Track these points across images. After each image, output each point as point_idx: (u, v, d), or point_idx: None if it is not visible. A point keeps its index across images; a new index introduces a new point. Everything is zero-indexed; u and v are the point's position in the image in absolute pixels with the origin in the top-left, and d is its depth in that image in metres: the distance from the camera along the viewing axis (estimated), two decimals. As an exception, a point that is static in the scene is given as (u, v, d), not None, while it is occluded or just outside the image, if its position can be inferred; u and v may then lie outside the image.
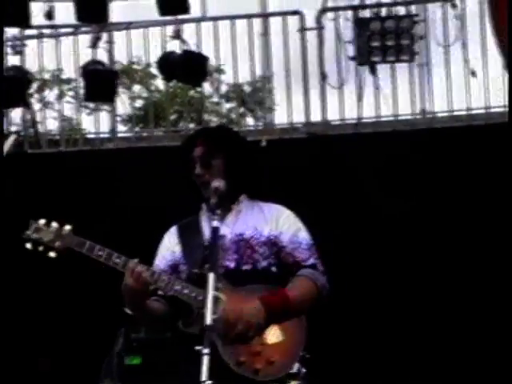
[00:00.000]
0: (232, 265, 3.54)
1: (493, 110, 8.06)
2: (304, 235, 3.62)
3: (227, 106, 12.52)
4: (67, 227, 3.56)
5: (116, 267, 3.49)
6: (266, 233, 3.58)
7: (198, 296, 3.45)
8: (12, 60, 8.25)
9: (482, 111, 8.12)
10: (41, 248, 3.54)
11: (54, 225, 3.56)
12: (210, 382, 3.05)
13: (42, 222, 3.56)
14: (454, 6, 7.95)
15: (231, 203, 3.64)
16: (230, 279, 3.49)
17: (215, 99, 12.74)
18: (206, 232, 3.58)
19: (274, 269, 3.58)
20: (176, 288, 3.49)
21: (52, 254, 3.53)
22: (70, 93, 10.78)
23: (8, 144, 8.10)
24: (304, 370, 3.51)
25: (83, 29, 8.40)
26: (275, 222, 3.61)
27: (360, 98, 8.21)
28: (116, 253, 3.51)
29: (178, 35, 8.16)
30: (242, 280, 3.50)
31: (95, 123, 8.92)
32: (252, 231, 3.58)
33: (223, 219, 3.55)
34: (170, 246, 3.68)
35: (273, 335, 3.45)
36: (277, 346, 3.44)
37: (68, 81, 9.93)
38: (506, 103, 7.89)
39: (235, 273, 3.52)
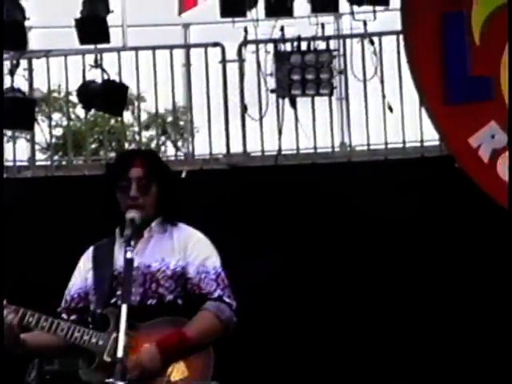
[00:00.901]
0: (137, 299, 3.48)
1: (408, 145, 8.22)
2: (212, 263, 3.54)
3: (147, 134, 12.47)
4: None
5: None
6: (172, 265, 3.52)
7: (98, 340, 3.42)
8: None
9: (399, 145, 8.27)
10: None
11: None
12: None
13: None
14: (371, 42, 8.11)
15: (143, 229, 3.56)
16: (135, 314, 3.40)
17: (135, 128, 12.71)
18: (118, 261, 3.52)
19: (179, 301, 3.52)
20: (76, 335, 3.44)
21: None
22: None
23: None
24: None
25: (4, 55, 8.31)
26: (183, 251, 3.54)
27: (280, 130, 8.29)
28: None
29: (98, 64, 8.13)
30: (147, 314, 3.46)
31: (13, 151, 8.80)
32: (159, 263, 3.52)
33: (135, 249, 3.49)
34: (83, 273, 3.63)
35: (177, 371, 3.44)
36: (182, 383, 3.43)
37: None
38: (422, 138, 8.09)
39: (140, 308, 3.46)
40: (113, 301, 3.47)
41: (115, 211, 3.56)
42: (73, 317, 3.57)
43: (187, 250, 3.54)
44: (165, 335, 3.43)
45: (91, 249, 3.68)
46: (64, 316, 3.58)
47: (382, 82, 8.14)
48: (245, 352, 6.73)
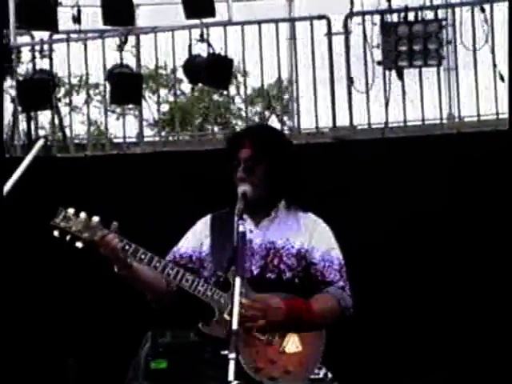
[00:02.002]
0: (256, 271, 3.53)
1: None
2: (337, 254, 3.59)
3: (252, 109, 12.52)
4: (96, 218, 3.49)
5: (141, 263, 3.47)
6: (297, 245, 3.56)
7: (220, 299, 3.46)
8: (40, 64, 8.31)
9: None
10: (68, 237, 3.47)
11: (83, 215, 3.49)
12: (236, 382, 3.05)
13: (71, 210, 3.50)
14: (482, 10, 7.91)
15: (269, 208, 3.60)
16: (253, 285, 3.48)
17: (239, 103, 12.76)
18: (235, 233, 3.50)
19: (297, 281, 3.56)
20: (199, 289, 3.48)
21: (79, 245, 3.46)
22: (97, 97, 10.85)
23: (37, 148, 8.14)
24: (330, 376, 3.50)
25: (110, 33, 8.45)
26: (309, 236, 3.58)
27: (387, 102, 8.18)
28: (143, 248, 3.49)
29: (203, 39, 8.17)
30: (264, 287, 3.49)
31: (122, 128, 8.97)
32: (284, 241, 3.56)
33: (258, 223, 3.56)
34: (199, 236, 3.65)
35: (292, 345, 3.45)
36: (295, 356, 3.45)
37: (95, 85, 9.98)
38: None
39: (259, 279, 3.51)
40: (232, 269, 3.48)
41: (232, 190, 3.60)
42: None
43: (313, 236, 3.58)
44: (293, 300, 3.44)
45: (209, 216, 3.70)
46: None
47: (492, 51, 7.94)
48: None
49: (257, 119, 12.81)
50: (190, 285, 3.49)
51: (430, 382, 7.07)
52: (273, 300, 3.42)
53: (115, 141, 9.25)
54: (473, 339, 7.18)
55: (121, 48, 8.23)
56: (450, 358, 7.27)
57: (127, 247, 3.46)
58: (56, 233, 3.48)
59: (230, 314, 3.19)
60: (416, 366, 7.19)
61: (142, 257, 3.47)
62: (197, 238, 3.65)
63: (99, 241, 3.41)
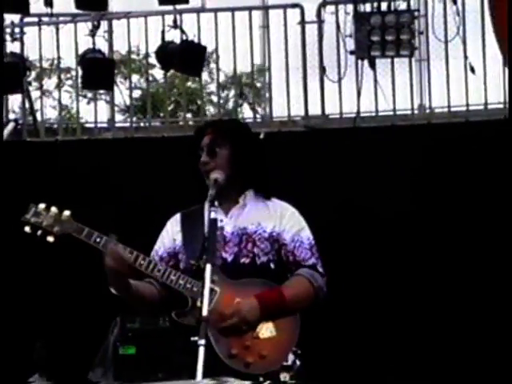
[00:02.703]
0: (230, 258, 3.54)
1: (491, 107, 8.07)
2: (307, 234, 3.62)
3: (223, 95, 12.49)
4: (66, 212, 3.55)
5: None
6: (269, 229, 3.58)
7: (193, 287, 3.47)
8: (10, 47, 8.25)
9: (481, 107, 8.13)
10: (39, 232, 3.52)
11: (54, 210, 3.55)
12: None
13: (42, 206, 3.55)
14: (454, 1, 7.95)
15: (237, 196, 3.64)
16: (227, 272, 3.50)
17: (212, 89, 12.73)
18: (205, 222, 3.56)
19: (272, 265, 3.58)
20: (171, 278, 3.50)
21: (50, 239, 3.52)
22: (69, 82, 10.78)
23: (6, 132, 8.10)
24: (298, 363, 3.52)
25: (82, 17, 8.39)
26: (279, 219, 3.61)
27: (359, 92, 8.21)
28: (124, 245, 3.51)
29: (176, 25, 8.15)
30: (239, 273, 3.52)
31: (93, 112, 8.91)
32: (255, 226, 3.58)
33: (227, 212, 3.58)
34: (171, 234, 3.68)
35: (266, 330, 3.47)
36: (269, 341, 3.46)
37: (67, 69, 9.91)
38: (505, 99, 7.92)
39: (233, 266, 3.53)
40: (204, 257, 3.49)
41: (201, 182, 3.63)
42: None
43: (283, 219, 3.61)
44: (263, 291, 3.48)
45: (178, 215, 3.74)
46: None
47: (464, 42, 7.99)
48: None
49: (228, 105, 12.79)
50: (161, 274, 3.51)
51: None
52: (246, 304, 3.44)
53: (86, 126, 9.20)
54: (463, 345, 7.21)
55: (93, 33, 8.19)
56: (436, 356, 7.31)
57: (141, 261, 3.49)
58: (27, 228, 3.53)
59: (203, 303, 3.21)
60: (401, 364, 7.22)
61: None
62: (170, 237, 3.68)
63: (110, 252, 3.44)
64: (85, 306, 7.28)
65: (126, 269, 3.45)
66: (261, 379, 3.41)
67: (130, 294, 3.52)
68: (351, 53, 8.17)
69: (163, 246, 3.67)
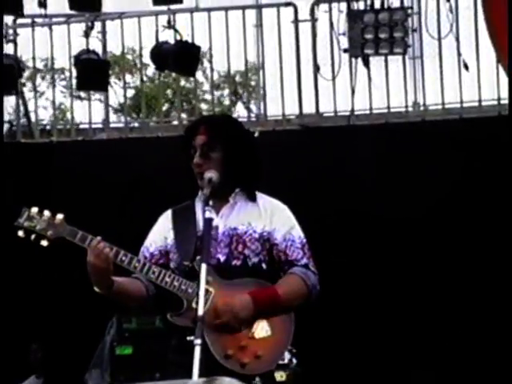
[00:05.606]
0: (223, 258, 3.52)
1: (485, 104, 8.07)
2: (298, 233, 3.59)
3: (217, 93, 12.49)
4: (60, 216, 3.52)
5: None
6: (259, 229, 3.55)
7: (188, 289, 3.45)
8: (4, 48, 8.23)
9: (475, 104, 8.13)
10: (33, 236, 3.50)
11: (47, 213, 3.52)
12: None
13: (35, 210, 3.52)
14: (447, -1, 7.96)
15: (227, 195, 3.59)
16: (220, 272, 3.48)
17: (206, 88, 12.73)
18: (200, 221, 3.55)
19: (264, 265, 3.55)
20: (166, 280, 3.48)
21: (44, 243, 3.50)
22: (63, 82, 10.77)
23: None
24: (295, 362, 3.52)
25: (76, 18, 8.38)
26: (269, 218, 3.57)
27: (353, 90, 8.21)
28: (108, 243, 3.50)
29: (170, 25, 8.15)
30: (231, 274, 3.50)
31: (88, 113, 8.90)
32: (246, 226, 3.55)
33: (218, 211, 3.54)
34: (162, 231, 3.65)
35: (261, 330, 3.46)
36: (264, 341, 3.45)
37: (61, 70, 9.90)
38: (499, 96, 7.93)
39: (225, 267, 3.50)
40: (198, 258, 3.47)
41: (192, 177, 3.60)
42: None
43: (273, 218, 3.58)
44: (257, 289, 3.47)
45: (169, 211, 3.70)
46: None
47: (457, 39, 7.99)
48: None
49: (223, 104, 12.79)
50: (156, 276, 3.49)
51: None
52: (239, 301, 3.43)
53: (81, 126, 9.18)
54: (457, 339, 7.23)
55: (87, 34, 8.18)
56: (433, 355, 7.32)
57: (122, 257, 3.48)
58: (20, 233, 3.52)
59: (198, 303, 3.20)
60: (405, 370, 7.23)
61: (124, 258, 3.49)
62: (161, 234, 3.65)
63: (92, 249, 3.42)
64: (80, 308, 7.26)
65: (108, 266, 3.43)
66: (257, 379, 3.41)
67: (114, 291, 3.48)
68: (345, 51, 8.17)
69: (154, 243, 3.63)
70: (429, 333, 7.31)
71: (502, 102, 7.92)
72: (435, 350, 7.31)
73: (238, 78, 11.93)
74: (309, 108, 8.39)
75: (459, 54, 8.02)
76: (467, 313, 7.24)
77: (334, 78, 8.27)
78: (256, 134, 7.77)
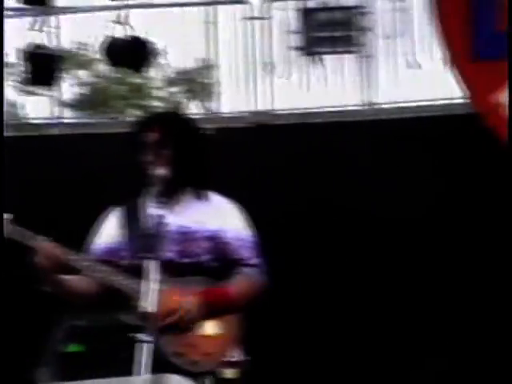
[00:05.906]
0: (172, 256, 3.51)
1: (439, 103, 8.13)
2: (249, 232, 3.61)
3: (171, 90, 12.44)
4: (7, 216, 3.47)
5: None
6: (211, 228, 3.55)
7: (136, 287, 3.42)
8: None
9: (430, 103, 8.19)
10: None
11: None
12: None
13: None
14: (401, -2, 8.01)
15: (178, 193, 3.59)
16: (170, 270, 3.46)
17: (159, 84, 12.69)
18: (149, 219, 3.53)
19: (214, 264, 3.56)
20: (115, 278, 3.47)
21: None
22: (13, 77, 10.65)
23: None
24: (246, 359, 3.52)
25: (28, 12, 8.29)
26: (221, 217, 3.58)
27: (307, 88, 8.23)
28: (57, 243, 3.46)
29: (124, 21, 8.09)
30: (181, 272, 3.49)
31: (39, 109, 8.81)
32: (197, 225, 3.55)
33: (169, 208, 3.52)
34: (108, 230, 3.64)
35: (210, 327, 3.46)
36: (214, 339, 3.46)
37: (11, 64, 9.79)
38: (451, 95, 8.00)
39: (176, 265, 3.49)
40: (147, 256, 3.46)
41: (141, 173, 3.58)
42: None
43: (225, 217, 3.59)
44: (207, 289, 3.47)
45: (115, 208, 3.70)
46: None
47: (411, 38, 8.04)
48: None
49: (177, 99, 12.76)
50: (105, 275, 3.48)
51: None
52: (187, 301, 3.43)
53: (32, 122, 9.08)
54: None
55: (39, 28, 8.09)
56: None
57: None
58: None
59: (143, 301, 3.20)
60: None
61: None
62: (106, 232, 3.64)
63: (40, 249, 3.40)
64: (28, 306, 7.18)
65: (57, 266, 3.42)
66: (207, 377, 3.40)
67: (64, 290, 3.49)
68: (299, 49, 8.18)
69: (102, 242, 3.62)
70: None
71: (454, 101, 7.99)
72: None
73: (192, 75, 11.88)
74: (263, 106, 8.40)
75: (413, 53, 8.07)
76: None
77: (288, 77, 8.27)
78: (210, 132, 7.76)
